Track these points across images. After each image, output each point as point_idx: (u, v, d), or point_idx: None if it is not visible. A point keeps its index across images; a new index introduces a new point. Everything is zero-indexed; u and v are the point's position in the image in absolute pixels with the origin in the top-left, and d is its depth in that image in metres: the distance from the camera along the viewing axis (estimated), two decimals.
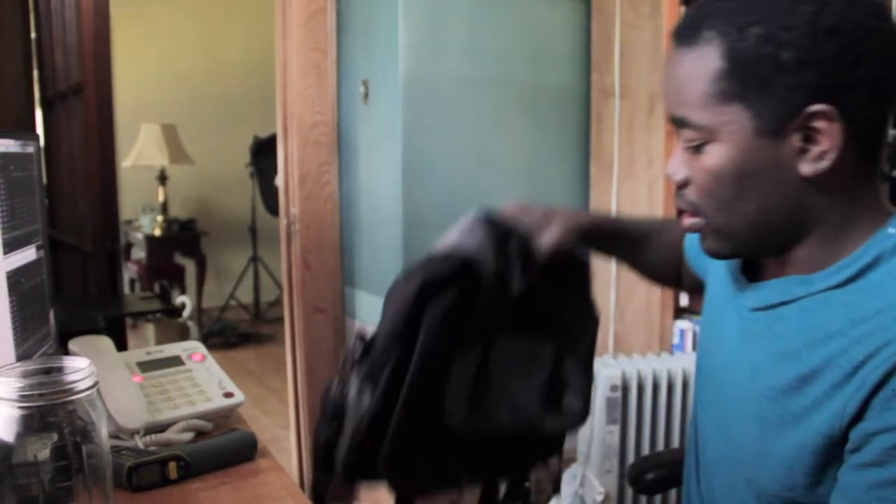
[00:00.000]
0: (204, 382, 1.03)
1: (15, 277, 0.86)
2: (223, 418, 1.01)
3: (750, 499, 0.74)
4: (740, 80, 0.65)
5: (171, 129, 4.63)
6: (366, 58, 2.29)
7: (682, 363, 2.04)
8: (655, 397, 2.00)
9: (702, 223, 0.73)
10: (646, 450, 2.00)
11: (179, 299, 4.39)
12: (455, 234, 0.77)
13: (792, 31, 0.63)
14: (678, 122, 0.70)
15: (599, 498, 1.93)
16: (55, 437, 0.61)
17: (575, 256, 0.84)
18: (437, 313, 0.70)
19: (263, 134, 4.44)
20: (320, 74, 2.36)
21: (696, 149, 0.69)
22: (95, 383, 0.64)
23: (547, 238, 0.79)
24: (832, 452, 0.66)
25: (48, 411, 0.61)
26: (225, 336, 4.66)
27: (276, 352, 4.24)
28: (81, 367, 0.64)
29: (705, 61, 0.66)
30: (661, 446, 2.01)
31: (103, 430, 0.65)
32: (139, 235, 4.66)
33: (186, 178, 4.94)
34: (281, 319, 2.72)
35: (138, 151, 4.55)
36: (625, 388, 1.95)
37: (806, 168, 0.66)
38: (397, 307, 0.72)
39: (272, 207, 4.36)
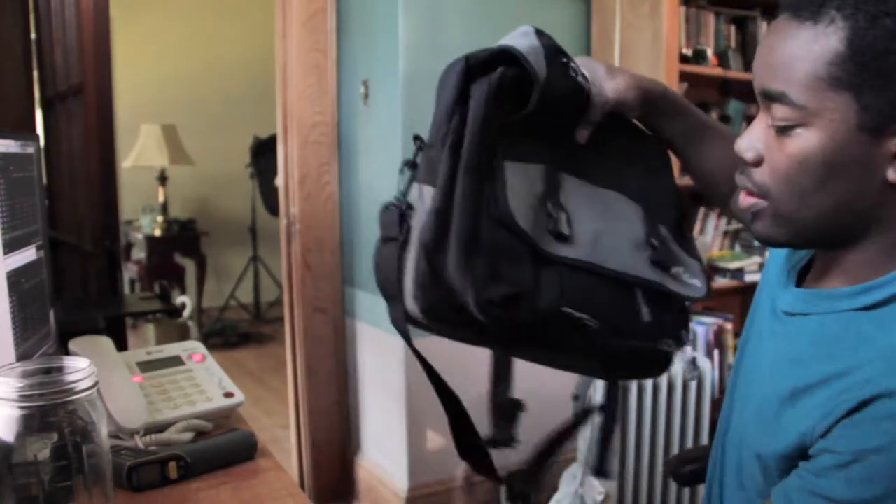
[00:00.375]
0: (204, 382, 1.03)
1: (15, 277, 0.86)
2: (223, 418, 1.01)
3: (753, 495, 0.74)
4: (858, 70, 0.61)
5: (171, 129, 4.63)
6: (366, 58, 2.29)
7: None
8: (655, 397, 2.00)
9: (764, 205, 0.69)
10: (646, 450, 2.00)
11: (179, 299, 4.39)
12: (507, 38, 0.76)
13: None
14: (774, 97, 0.66)
15: (599, 498, 1.93)
16: (55, 437, 0.61)
17: (655, 138, 0.84)
18: (484, 88, 0.69)
19: (263, 134, 4.44)
20: (320, 74, 2.36)
21: (785, 129, 0.66)
22: (95, 383, 0.64)
23: (610, 85, 0.78)
24: (796, 464, 0.67)
25: (48, 411, 0.61)
26: (225, 336, 4.66)
27: (276, 352, 4.25)
28: (81, 367, 0.64)
29: (824, 41, 0.62)
30: (661, 446, 2.02)
31: (103, 430, 0.65)
32: (139, 235, 4.67)
33: (186, 178, 4.94)
34: (281, 319, 2.72)
35: (138, 152, 4.55)
36: (625, 388, 1.95)
37: (893, 174, 0.64)
38: (446, 92, 0.71)
39: (272, 207, 4.36)
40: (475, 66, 0.71)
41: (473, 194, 0.68)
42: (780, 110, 0.66)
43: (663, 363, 0.82)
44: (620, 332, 0.75)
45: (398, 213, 0.72)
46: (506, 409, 0.75)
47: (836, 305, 0.69)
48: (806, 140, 0.65)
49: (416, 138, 0.75)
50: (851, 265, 0.70)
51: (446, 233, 0.68)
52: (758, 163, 0.69)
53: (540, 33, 0.76)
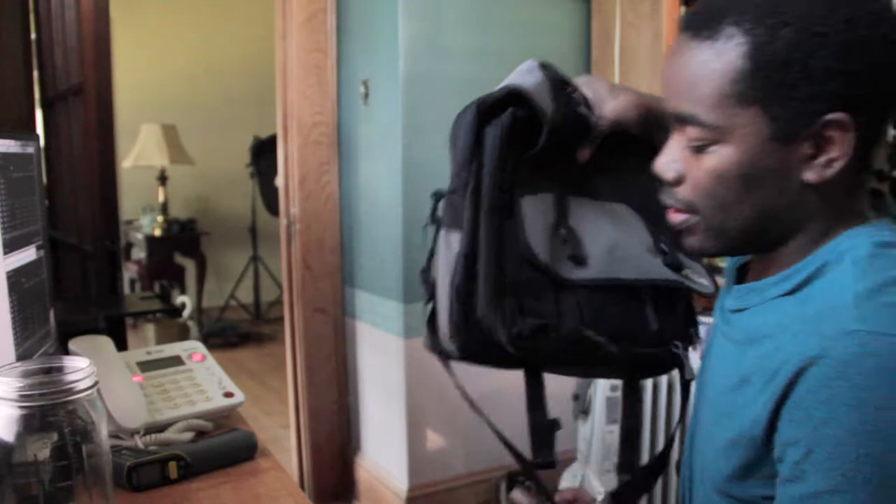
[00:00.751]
0: (204, 382, 1.03)
1: (15, 277, 0.86)
2: (223, 418, 1.01)
3: (709, 490, 0.75)
4: (764, 84, 0.63)
5: (171, 129, 4.63)
6: (366, 58, 2.29)
7: None
8: (655, 397, 2.00)
9: (695, 220, 0.71)
10: (646, 450, 2.00)
11: (179, 299, 4.39)
12: (512, 75, 0.80)
13: (823, 38, 0.61)
14: (685, 119, 0.67)
15: (599, 498, 1.93)
16: (55, 436, 0.61)
17: (654, 150, 0.87)
18: (497, 132, 0.73)
19: (263, 134, 4.44)
20: (320, 74, 2.36)
21: (700, 148, 0.67)
22: (95, 383, 0.64)
23: (610, 105, 0.81)
24: (757, 454, 0.67)
25: (48, 411, 0.61)
26: (225, 336, 4.66)
27: (276, 352, 4.24)
28: (81, 366, 0.64)
29: (726, 59, 0.63)
30: (661, 446, 2.01)
31: (103, 430, 0.65)
32: (139, 235, 4.67)
33: (186, 178, 4.94)
34: (281, 319, 2.72)
35: (138, 151, 4.55)
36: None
37: (811, 175, 0.65)
38: (461, 139, 0.75)
39: (272, 207, 4.36)
40: (486, 110, 0.75)
41: (497, 236, 0.73)
42: (692, 131, 0.67)
43: (675, 361, 0.85)
44: (634, 341, 0.79)
45: (422, 270, 0.79)
46: (545, 431, 0.79)
47: (766, 295, 0.71)
48: (721, 156, 0.66)
49: (435, 194, 0.80)
50: (781, 259, 0.71)
51: (474, 275, 0.73)
52: (679, 181, 0.71)
53: (544, 66, 0.80)
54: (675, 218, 0.73)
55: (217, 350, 4.17)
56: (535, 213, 0.76)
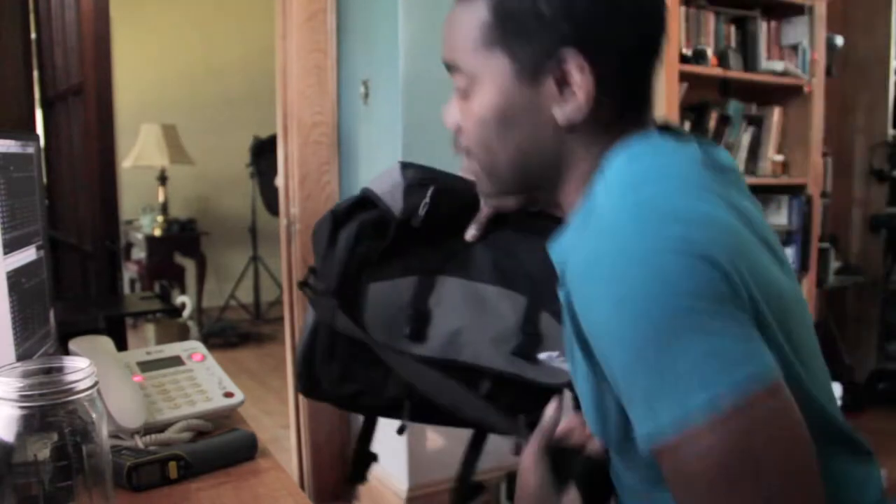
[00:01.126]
0: (204, 382, 1.03)
1: (15, 277, 0.86)
2: (223, 418, 1.01)
3: (627, 478, 0.74)
4: (503, 29, 0.71)
5: (171, 129, 4.63)
6: (366, 58, 2.29)
7: None
8: None
9: (475, 166, 0.78)
10: None
11: (179, 299, 4.40)
12: (374, 178, 0.94)
13: None
14: (450, 67, 0.76)
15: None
16: (55, 436, 0.61)
17: (549, 215, 0.86)
18: (347, 233, 0.90)
19: (263, 134, 4.44)
20: (320, 74, 2.36)
21: (465, 93, 0.75)
22: (95, 383, 0.64)
23: None
24: (611, 402, 0.66)
25: (48, 411, 0.61)
26: (225, 336, 4.67)
27: (276, 352, 4.25)
28: (81, 366, 0.64)
29: (475, 13, 0.73)
30: None
31: (103, 430, 0.65)
32: (139, 235, 4.67)
33: (186, 178, 4.94)
34: (281, 319, 2.72)
35: (138, 151, 4.55)
36: None
37: (559, 115, 0.71)
38: (319, 241, 0.92)
39: (272, 207, 4.36)
40: (340, 216, 0.91)
41: (333, 316, 0.89)
42: (457, 78, 0.76)
43: (516, 429, 0.90)
44: (462, 411, 0.89)
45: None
46: (363, 461, 1.10)
47: (563, 248, 0.71)
48: (480, 98, 0.74)
49: (311, 268, 0.95)
50: (567, 209, 0.76)
51: (314, 345, 0.93)
52: (458, 129, 0.78)
53: (406, 167, 0.96)
54: (463, 166, 0.81)
55: (217, 350, 4.17)
56: (386, 295, 0.90)
